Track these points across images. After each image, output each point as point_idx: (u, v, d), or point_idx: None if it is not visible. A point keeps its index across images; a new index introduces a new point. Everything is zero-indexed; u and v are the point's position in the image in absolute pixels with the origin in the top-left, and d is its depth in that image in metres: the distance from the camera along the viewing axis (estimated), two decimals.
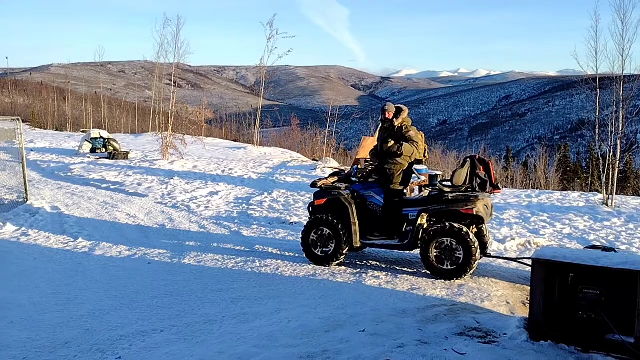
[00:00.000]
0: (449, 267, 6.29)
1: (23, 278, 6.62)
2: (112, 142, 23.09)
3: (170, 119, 21.68)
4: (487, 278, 6.34)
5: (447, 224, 6.34)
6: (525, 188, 23.71)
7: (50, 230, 9.15)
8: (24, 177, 11.65)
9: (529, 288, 5.20)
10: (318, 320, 4.78)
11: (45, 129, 44.93)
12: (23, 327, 4.89)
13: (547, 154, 36.75)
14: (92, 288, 6.15)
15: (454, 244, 6.27)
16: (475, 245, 6.20)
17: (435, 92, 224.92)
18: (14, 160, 13.95)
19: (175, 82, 24.19)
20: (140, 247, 8.07)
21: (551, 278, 4.19)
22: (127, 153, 21.49)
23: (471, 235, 6.23)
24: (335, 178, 7.39)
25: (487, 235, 6.90)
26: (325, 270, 6.67)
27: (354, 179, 7.24)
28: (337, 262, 6.92)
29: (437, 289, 5.89)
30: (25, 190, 11.53)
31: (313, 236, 7.04)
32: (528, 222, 9.65)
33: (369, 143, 14.52)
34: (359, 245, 6.91)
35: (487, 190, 6.59)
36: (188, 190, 13.34)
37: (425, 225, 6.63)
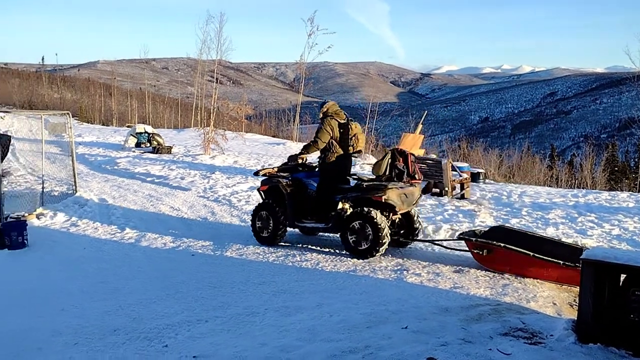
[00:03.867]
0: (362, 247, 6.97)
1: (73, 267, 6.88)
2: (156, 137, 23.65)
3: (212, 115, 22.04)
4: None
5: (359, 208, 7.00)
6: (571, 188, 23.03)
7: (99, 221, 9.45)
8: (73, 170, 12.07)
9: (577, 289, 5.07)
10: (360, 315, 4.78)
11: (92, 124, 46.42)
12: (74, 314, 5.08)
13: (594, 152, 35.55)
14: (139, 278, 6.33)
15: (366, 226, 6.90)
16: (383, 227, 6.82)
17: (477, 88, 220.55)
18: (63, 153, 14.51)
19: (217, 79, 24.56)
20: (183, 239, 8.25)
21: (601, 279, 4.07)
22: (171, 148, 21.97)
23: (379, 219, 6.84)
24: (275, 169, 8.08)
25: (417, 220, 7.63)
26: (365, 267, 6.66)
27: (300, 168, 7.95)
28: (278, 241, 7.78)
29: (480, 288, 5.80)
30: (75, 182, 11.95)
31: (259, 219, 7.92)
32: (575, 223, 9.38)
33: (409, 139, 14.43)
34: (294, 228, 7.86)
35: (404, 180, 7.23)
36: (229, 185, 13.53)
37: (348, 211, 7.18)
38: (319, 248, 7.67)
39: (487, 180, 16.09)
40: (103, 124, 47.20)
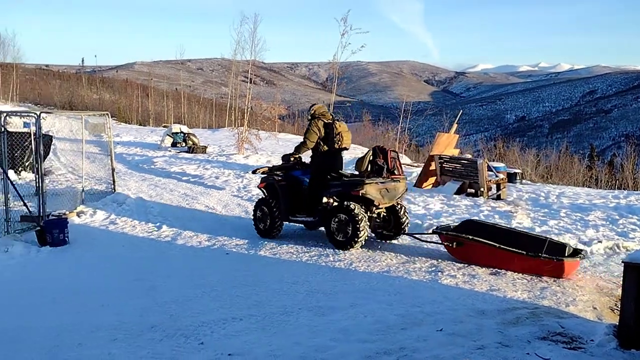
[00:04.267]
0: (342, 239, 7.47)
1: (112, 264, 7.06)
2: (191, 136, 24.05)
3: (245, 115, 22.28)
4: (571, 282, 6.04)
5: (343, 203, 7.51)
6: (611, 189, 22.34)
7: (136, 219, 9.66)
8: (112, 169, 12.38)
9: (618, 294, 4.92)
10: (394, 316, 4.76)
11: (130, 124, 47.46)
12: (113, 311, 5.20)
13: (636, 152, 34.34)
14: (175, 276, 6.45)
15: (346, 219, 7.41)
16: (361, 220, 7.32)
17: (514, 87, 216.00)
18: (102, 153, 14.90)
19: (250, 80, 24.78)
20: (218, 238, 8.36)
21: None
22: (205, 147, 22.29)
23: (358, 212, 7.35)
24: (266, 168, 8.85)
25: (403, 214, 8.07)
26: (399, 268, 6.62)
27: (297, 166, 8.48)
28: (275, 234, 8.32)
29: (517, 291, 5.69)
30: (113, 181, 12.25)
31: (259, 213, 8.50)
32: (616, 225, 9.09)
33: (444, 139, 14.24)
34: (289, 222, 8.36)
35: (384, 175, 7.72)
36: None
37: (332, 206, 7.73)
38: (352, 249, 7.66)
39: (524, 181, 15.80)
40: (140, 124, 48.21)
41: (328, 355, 3.98)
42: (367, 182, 7.48)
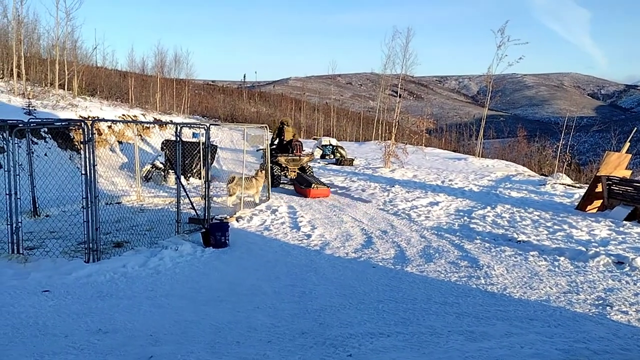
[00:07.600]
0: (272, 181, 14.84)
1: (267, 268, 7.44)
2: (339, 149, 24.69)
3: (394, 129, 22.32)
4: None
5: (273, 165, 15.50)
6: None
7: (288, 227, 10.11)
8: (267, 178, 13.13)
9: None
10: (555, 351, 4.36)
11: None
12: (267, 313, 5.47)
13: None
14: (324, 284, 6.60)
15: (272, 172, 15.19)
16: (276, 173, 15.66)
17: None
18: (258, 162, 15.89)
19: (400, 95, 24.81)
20: (364, 250, 8.42)
21: None
22: (352, 160, 22.72)
23: (275, 170, 15.64)
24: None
25: (310, 172, 16.19)
26: (560, 297, 6.08)
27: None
28: (275, 184, 15.47)
29: None
30: (268, 189, 12.99)
31: (271, 173, 15.04)
32: None
33: (614, 158, 12.87)
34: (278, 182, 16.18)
35: (288, 153, 16.30)
36: (408, 199, 13.51)
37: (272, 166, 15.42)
38: (504, 271, 7.23)
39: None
40: None
41: None
42: (279, 156, 15.94)
